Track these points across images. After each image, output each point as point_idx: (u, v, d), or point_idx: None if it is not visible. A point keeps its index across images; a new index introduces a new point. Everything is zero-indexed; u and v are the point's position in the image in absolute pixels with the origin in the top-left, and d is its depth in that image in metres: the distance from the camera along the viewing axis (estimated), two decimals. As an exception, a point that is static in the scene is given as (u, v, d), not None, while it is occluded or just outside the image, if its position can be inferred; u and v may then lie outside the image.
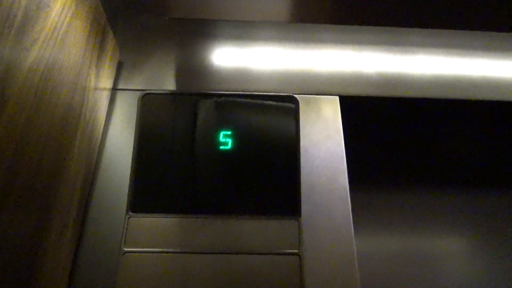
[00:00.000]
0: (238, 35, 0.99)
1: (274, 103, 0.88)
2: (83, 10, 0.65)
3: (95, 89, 0.74)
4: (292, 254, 0.72)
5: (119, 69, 0.90)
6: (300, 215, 0.76)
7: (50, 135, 0.55)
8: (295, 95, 0.89)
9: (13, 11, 0.45)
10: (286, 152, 0.82)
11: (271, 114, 0.86)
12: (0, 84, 0.43)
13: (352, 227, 0.76)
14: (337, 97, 0.91)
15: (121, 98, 0.86)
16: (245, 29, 0.99)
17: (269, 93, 0.89)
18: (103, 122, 0.82)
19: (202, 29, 0.99)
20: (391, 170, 1.14)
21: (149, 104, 0.85)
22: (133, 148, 0.80)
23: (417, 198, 1.11)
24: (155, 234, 0.72)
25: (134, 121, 0.83)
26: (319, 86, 0.92)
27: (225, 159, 0.81)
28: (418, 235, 1.07)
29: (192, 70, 0.93)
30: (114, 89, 0.87)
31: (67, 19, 0.59)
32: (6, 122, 0.44)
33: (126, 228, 0.72)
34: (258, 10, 0.85)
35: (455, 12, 0.87)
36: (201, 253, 0.71)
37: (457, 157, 1.19)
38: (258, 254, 0.72)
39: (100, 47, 0.76)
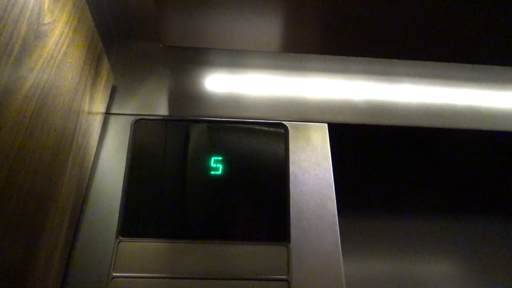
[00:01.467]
0: (230, 63, 1.01)
1: (264, 129, 0.90)
2: (79, 38, 0.67)
3: (89, 113, 0.75)
4: (281, 280, 0.72)
5: (113, 94, 0.92)
6: (289, 241, 0.77)
7: (42, 160, 0.56)
8: (284, 122, 0.91)
9: (12, 40, 0.46)
10: (275, 178, 0.84)
11: (261, 140, 0.88)
12: (-4, 111, 0.44)
13: (341, 252, 0.77)
14: (326, 125, 0.93)
15: (114, 122, 0.88)
16: (237, 57, 1.02)
17: (259, 120, 0.91)
18: (95, 146, 0.82)
19: (195, 57, 1.02)
20: (379, 196, 1.15)
21: (141, 130, 0.86)
22: (125, 173, 0.80)
23: (405, 223, 1.13)
24: (145, 259, 0.72)
25: (126, 145, 0.84)
26: (309, 114, 0.95)
27: (215, 185, 0.82)
28: (406, 260, 1.08)
29: (185, 96, 0.95)
30: (107, 114, 0.89)
31: (64, 47, 0.61)
32: (1, 145, 0.45)
33: (116, 253, 0.72)
34: (250, 40, 0.88)
35: (440, 45, 0.90)
36: (190, 278, 0.71)
37: (443, 183, 1.21)
38: (248, 279, 0.72)
39: (95, 73, 0.77)
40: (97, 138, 0.84)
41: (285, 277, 0.73)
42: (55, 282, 0.65)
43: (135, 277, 0.70)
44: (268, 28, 0.85)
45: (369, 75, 1.05)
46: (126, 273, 0.70)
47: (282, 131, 0.90)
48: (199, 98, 0.95)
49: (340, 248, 0.78)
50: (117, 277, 0.70)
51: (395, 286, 1.03)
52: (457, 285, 1.06)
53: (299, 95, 0.98)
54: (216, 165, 0.83)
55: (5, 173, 0.46)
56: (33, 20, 0.51)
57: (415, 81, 1.06)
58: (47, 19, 0.55)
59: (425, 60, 1.07)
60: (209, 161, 0.83)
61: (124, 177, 0.80)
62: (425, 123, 0.99)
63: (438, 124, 0.99)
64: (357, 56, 1.04)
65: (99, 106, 0.83)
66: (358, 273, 1.04)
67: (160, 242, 0.74)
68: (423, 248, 1.10)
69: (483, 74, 1.09)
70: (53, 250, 0.63)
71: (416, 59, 1.07)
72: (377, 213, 1.13)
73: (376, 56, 0.99)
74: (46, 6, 0.54)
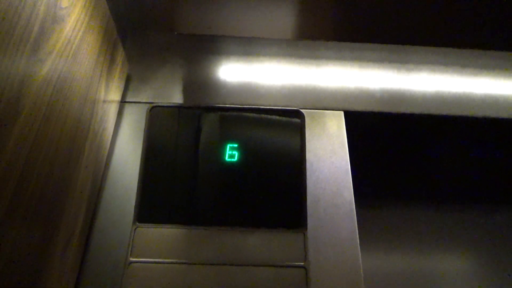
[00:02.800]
0: (245, 51, 1.01)
1: (280, 117, 0.89)
2: (95, 24, 0.67)
3: (104, 101, 0.76)
4: (298, 267, 0.72)
5: (128, 82, 0.92)
6: (306, 228, 0.76)
7: (60, 146, 0.56)
8: (300, 110, 0.90)
9: (31, 23, 0.46)
10: (291, 165, 0.83)
11: (277, 128, 0.87)
12: (15, 94, 0.44)
13: (358, 241, 0.76)
14: (342, 112, 0.92)
15: (129, 110, 0.88)
16: (252, 45, 1.01)
17: (275, 107, 0.90)
18: (111, 134, 0.83)
19: (209, 45, 1.01)
20: (395, 185, 1.14)
21: (157, 117, 0.86)
22: (140, 160, 0.81)
23: (423, 214, 1.11)
24: (161, 244, 0.72)
25: (142, 133, 0.84)
26: (324, 101, 0.94)
27: (231, 172, 0.81)
28: (424, 251, 1.06)
29: (199, 84, 0.94)
30: (123, 102, 0.89)
31: (80, 32, 0.61)
32: (19, 131, 0.45)
33: (133, 238, 0.72)
34: (264, 27, 0.87)
35: (458, 30, 0.88)
36: (207, 264, 0.71)
37: (462, 173, 1.19)
38: (264, 266, 0.71)
39: (110, 61, 0.77)
40: (113, 126, 0.84)
41: (302, 263, 0.72)
42: (73, 267, 0.66)
43: (152, 262, 0.70)
44: (282, 15, 0.84)
45: (385, 63, 1.03)
46: (143, 258, 0.71)
47: (298, 118, 0.89)
48: (213, 86, 0.94)
49: (357, 236, 0.77)
50: (135, 262, 0.70)
51: (413, 276, 1.02)
52: (476, 280, 1.05)
53: (314, 83, 0.97)
54: (232, 152, 0.82)
55: (24, 157, 0.46)
56: (51, 4, 0.51)
57: (432, 69, 1.04)
58: (64, 3, 0.55)
59: (442, 46, 1.05)
60: (225, 148, 0.83)
61: (140, 164, 0.80)
62: (443, 111, 0.97)
63: (455, 112, 0.97)
64: (372, 42, 1.02)
65: (115, 94, 0.83)
66: (375, 262, 1.03)
67: (176, 228, 0.74)
68: (441, 238, 1.08)
69: (502, 62, 1.07)
70: (71, 236, 0.63)
71: (432, 46, 1.05)
72: (395, 203, 1.12)
73: (392, 42, 0.98)
74: (63, -10, 0.54)
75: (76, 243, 0.66)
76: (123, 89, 0.90)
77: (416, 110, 0.96)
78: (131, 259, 0.70)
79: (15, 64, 0.43)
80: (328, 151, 0.86)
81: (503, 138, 1.15)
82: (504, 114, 0.99)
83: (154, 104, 0.87)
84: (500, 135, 1.13)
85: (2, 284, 0.44)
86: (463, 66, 1.05)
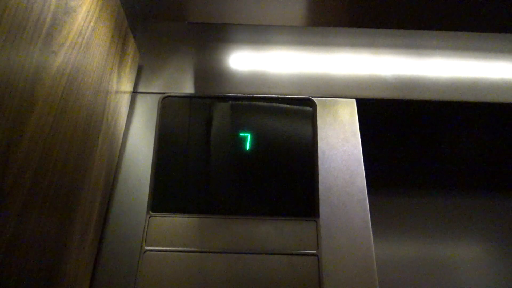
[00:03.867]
0: (255, 39, 1.00)
1: (291, 105, 0.89)
2: (106, 15, 0.67)
3: (117, 92, 0.76)
4: (311, 254, 0.72)
5: (139, 72, 0.92)
6: (318, 216, 0.76)
7: (74, 137, 0.57)
8: (312, 98, 0.90)
9: (43, 15, 0.47)
10: (303, 153, 0.83)
11: (289, 116, 0.87)
12: (29, 85, 0.44)
13: (371, 229, 0.76)
14: (354, 100, 0.91)
15: (141, 101, 0.88)
16: (262, 33, 1.01)
17: (286, 96, 0.90)
18: (124, 125, 0.83)
19: (220, 34, 1.01)
20: (409, 173, 1.13)
21: (168, 107, 0.86)
22: (153, 150, 0.81)
23: (436, 201, 1.11)
24: (175, 233, 0.73)
25: (154, 123, 0.85)
26: (336, 89, 0.93)
27: (243, 161, 0.82)
28: (437, 239, 1.06)
29: (210, 74, 0.94)
30: (134, 92, 0.89)
31: (92, 24, 0.61)
32: (35, 122, 0.46)
33: (147, 228, 0.73)
34: (275, 14, 0.87)
35: (472, 14, 0.86)
36: (220, 252, 0.72)
37: (477, 160, 1.17)
38: (277, 254, 0.72)
39: (122, 51, 0.78)
40: (126, 117, 0.85)
41: (315, 251, 0.73)
42: (89, 255, 0.67)
43: (166, 250, 0.71)
44: (293, 1, 0.83)
45: (397, 48, 1.02)
46: (158, 246, 0.72)
47: (310, 106, 0.88)
48: (225, 75, 0.94)
49: (370, 224, 0.77)
50: (150, 250, 0.71)
51: (425, 263, 1.02)
52: (489, 267, 1.04)
53: (326, 71, 0.96)
54: (244, 141, 0.83)
55: (40, 147, 0.47)
56: (62, -5, 0.51)
57: (445, 54, 1.02)
58: (75, -6, 0.55)
59: (454, 30, 1.03)
60: (237, 137, 0.83)
61: (153, 154, 0.81)
62: (457, 97, 0.95)
63: (469, 98, 0.96)
64: (384, 28, 1.01)
65: (127, 85, 0.84)
66: (388, 250, 1.03)
67: (190, 217, 0.75)
68: (454, 225, 1.08)
69: (519, 45, 1.04)
70: (87, 224, 0.64)
71: (445, 30, 1.02)
72: (407, 190, 1.12)
73: (404, 27, 0.96)
74: (73, -18, 0.54)
75: (92, 232, 0.67)
76: (134, 79, 0.90)
77: (430, 96, 0.95)
78: (146, 247, 0.71)
79: (28, 56, 0.44)
80: (340, 139, 0.86)
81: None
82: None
83: (166, 94, 0.88)
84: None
85: (23, 272, 0.45)
86: (478, 50, 1.03)
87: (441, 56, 1.02)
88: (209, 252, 0.72)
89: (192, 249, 0.72)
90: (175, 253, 0.71)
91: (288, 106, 0.89)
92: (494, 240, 1.08)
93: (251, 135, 0.83)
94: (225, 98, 0.89)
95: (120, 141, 0.82)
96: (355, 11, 0.86)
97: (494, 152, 1.19)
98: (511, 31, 0.96)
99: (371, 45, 1.01)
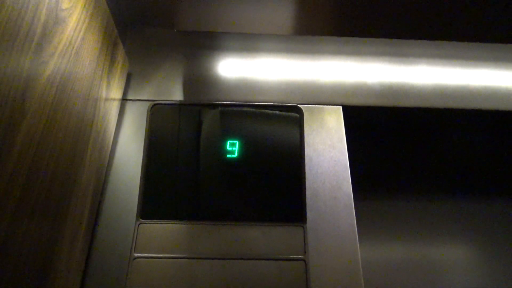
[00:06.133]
0: (244, 47, 1.01)
1: (279, 112, 0.90)
2: (96, 24, 0.68)
3: (106, 99, 0.77)
4: (298, 259, 0.74)
5: (129, 80, 0.93)
6: (305, 222, 0.78)
7: (64, 145, 0.58)
8: (299, 105, 0.91)
9: (33, 26, 0.47)
10: (291, 160, 0.84)
11: (276, 123, 0.89)
12: (20, 95, 0.45)
13: (357, 234, 0.78)
14: (340, 107, 0.93)
15: (130, 108, 0.89)
16: (250, 41, 1.02)
17: (274, 103, 0.91)
18: (113, 131, 0.84)
19: (209, 42, 1.02)
20: (394, 178, 1.15)
21: (158, 114, 0.87)
22: (143, 157, 0.82)
23: (421, 205, 1.13)
24: (164, 240, 0.74)
25: (143, 130, 0.85)
26: (323, 96, 0.95)
27: (231, 167, 0.83)
28: (422, 242, 1.08)
29: (199, 81, 0.95)
30: (124, 100, 0.90)
31: (81, 33, 0.62)
32: (26, 131, 0.46)
33: (136, 234, 0.74)
34: (263, 23, 0.88)
35: (455, 24, 0.89)
36: (209, 258, 0.73)
37: (460, 165, 1.20)
38: (265, 259, 0.73)
39: (111, 59, 0.78)
40: (115, 124, 0.85)
41: (302, 256, 0.74)
42: (79, 262, 0.67)
43: (156, 257, 0.72)
44: (281, 11, 0.85)
45: (382, 56, 1.04)
46: (147, 253, 0.72)
47: (297, 113, 0.90)
48: (213, 82, 0.96)
49: (356, 228, 0.78)
50: (139, 257, 0.72)
51: (411, 268, 1.04)
52: (474, 269, 1.06)
53: (313, 78, 0.98)
54: (232, 148, 0.84)
55: (30, 157, 0.48)
56: (52, 6, 0.52)
57: (429, 62, 1.05)
58: (65, 5, 0.56)
59: (439, 39, 1.05)
60: (225, 144, 0.84)
61: (143, 161, 0.82)
62: (440, 104, 0.98)
63: (453, 105, 0.98)
64: (370, 37, 1.03)
65: (116, 92, 0.84)
66: (373, 254, 1.05)
67: (178, 224, 0.76)
68: (439, 230, 1.10)
69: (501, 53, 1.07)
70: (77, 232, 0.65)
71: (430, 39, 1.05)
72: (393, 195, 1.14)
73: (390, 36, 0.98)
74: (64, -8, 0.55)
75: (81, 239, 0.68)
76: (124, 86, 0.91)
77: (414, 103, 0.97)
78: (135, 254, 0.72)
79: (19, 66, 0.45)
80: (327, 145, 0.87)
81: (503, 130, 1.16)
82: (503, 106, 0.99)
83: (155, 102, 0.89)
84: (500, 127, 1.14)
85: (13, 278, 0.46)
86: (461, 58, 1.06)
87: (425, 64, 1.04)
88: (198, 258, 0.73)
89: (181, 255, 0.73)
90: (164, 259, 0.72)
91: (275, 113, 0.90)
92: (478, 243, 1.10)
93: (239, 142, 0.85)
94: (213, 106, 0.90)
95: (110, 148, 0.82)
96: (341, 21, 0.88)
97: (478, 156, 1.22)
98: (492, 40, 0.98)
99: (357, 53, 1.04)
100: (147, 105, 0.88)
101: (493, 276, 1.06)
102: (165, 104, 0.89)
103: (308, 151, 0.86)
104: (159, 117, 0.87)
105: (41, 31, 0.49)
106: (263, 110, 0.90)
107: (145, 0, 0.97)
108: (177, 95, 0.92)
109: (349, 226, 0.78)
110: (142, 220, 0.76)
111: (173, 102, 0.90)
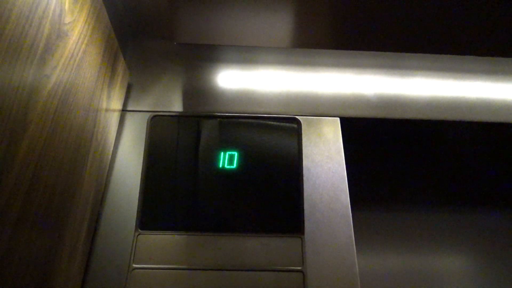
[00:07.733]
0: (243, 60, 1.03)
1: (277, 124, 0.91)
2: (97, 37, 0.69)
3: (106, 110, 0.78)
4: (296, 271, 0.74)
5: (129, 91, 0.94)
6: (303, 233, 0.78)
7: (65, 156, 0.58)
8: (297, 117, 0.92)
9: (37, 40, 0.48)
10: (289, 171, 0.85)
11: (274, 135, 0.90)
12: (23, 109, 0.46)
13: (354, 245, 0.78)
14: (338, 119, 0.94)
15: (130, 119, 0.90)
16: (249, 53, 1.04)
17: (272, 115, 0.92)
18: (113, 142, 0.85)
19: (208, 54, 1.03)
20: (391, 189, 1.16)
21: (157, 125, 0.88)
22: (142, 168, 0.83)
23: (418, 217, 1.13)
24: (163, 251, 0.74)
25: (143, 141, 0.86)
26: (321, 108, 0.96)
27: (230, 179, 0.83)
28: (420, 253, 1.08)
29: (199, 93, 0.96)
30: (124, 111, 0.91)
31: (83, 46, 0.63)
32: (28, 143, 0.47)
33: (135, 245, 0.74)
34: (262, 36, 0.89)
35: (451, 38, 0.90)
36: (208, 269, 0.73)
37: (457, 176, 1.21)
38: (263, 270, 0.73)
39: (112, 71, 0.79)
40: (115, 135, 0.86)
41: (300, 268, 0.74)
42: (78, 273, 0.68)
43: (155, 268, 0.72)
44: (279, 24, 0.86)
45: (380, 69, 1.05)
46: (146, 264, 0.73)
47: (295, 125, 0.91)
48: (212, 94, 0.97)
49: (354, 240, 0.79)
50: (137, 268, 0.72)
51: (409, 279, 1.04)
52: (472, 280, 1.06)
53: (311, 90, 0.99)
54: (231, 160, 0.85)
55: (32, 168, 0.48)
56: (55, 20, 0.53)
57: (426, 75, 1.06)
58: (67, 19, 0.57)
59: (436, 53, 1.07)
60: (224, 155, 0.85)
61: (142, 172, 0.82)
62: (437, 116, 0.99)
63: (450, 117, 0.99)
64: (368, 50, 1.04)
65: (116, 104, 0.85)
66: (372, 266, 1.05)
67: (178, 234, 0.76)
68: (437, 242, 1.10)
69: (495, 66, 1.09)
70: (76, 243, 0.65)
71: (427, 53, 1.07)
72: (390, 206, 1.14)
73: (387, 50, 1.00)
74: (66, 7, 0.56)
75: (81, 250, 0.68)
76: (124, 98, 0.92)
77: (411, 115, 0.98)
78: (134, 265, 0.72)
79: (22, 80, 0.45)
80: (324, 157, 0.88)
81: (499, 142, 1.17)
82: (498, 118, 1.01)
83: (155, 114, 0.89)
84: (496, 139, 1.15)
85: (13, 290, 0.46)
86: (457, 71, 1.07)
87: (422, 76, 1.06)
88: (196, 269, 0.73)
89: (180, 266, 0.73)
90: (163, 270, 0.72)
91: (274, 124, 0.91)
92: (477, 254, 1.10)
93: (238, 153, 0.86)
94: (212, 117, 0.91)
95: (109, 159, 0.83)
96: (340, 34, 0.90)
97: (475, 168, 1.23)
98: (488, 54, 1.00)
99: (355, 65, 1.05)
100: (147, 116, 0.89)
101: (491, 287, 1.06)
102: (164, 115, 0.90)
103: (306, 162, 0.87)
104: (159, 128, 0.88)
105: (44, 45, 0.50)
106: (261, 122, 0.91)
107: (145, 13, 0.98)
108: (176, 106, 0.93)
109: (347, 237, 0.79)
110: (141, 231, 0.76)
111: (172, 113, 0.91)
